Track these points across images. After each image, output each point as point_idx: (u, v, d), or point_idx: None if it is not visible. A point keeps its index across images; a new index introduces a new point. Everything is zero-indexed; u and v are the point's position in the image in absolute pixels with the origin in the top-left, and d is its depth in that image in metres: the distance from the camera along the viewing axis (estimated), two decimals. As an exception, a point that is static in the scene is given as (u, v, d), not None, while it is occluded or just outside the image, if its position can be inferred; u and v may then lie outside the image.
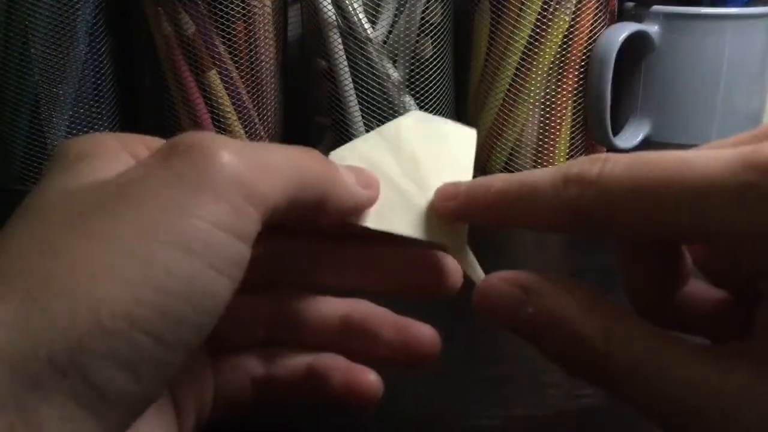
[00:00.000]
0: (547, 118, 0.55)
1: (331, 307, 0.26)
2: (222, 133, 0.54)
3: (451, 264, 0.26)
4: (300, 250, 0.26)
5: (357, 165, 0.25)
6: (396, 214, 0.25)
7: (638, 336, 0.20)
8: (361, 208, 0.24)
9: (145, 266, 0.17)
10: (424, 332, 0.25)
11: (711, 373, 0.19)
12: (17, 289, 0.17)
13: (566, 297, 0.21)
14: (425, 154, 0.26)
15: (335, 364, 0.25)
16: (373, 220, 0.24)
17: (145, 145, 0.22)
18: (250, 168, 0.19)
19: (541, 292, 0.21)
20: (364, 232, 0.24)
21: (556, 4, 0.52)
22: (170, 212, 0.18)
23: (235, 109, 0.54)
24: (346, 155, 0.26)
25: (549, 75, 0.54)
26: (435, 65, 0.55)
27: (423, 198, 0.25)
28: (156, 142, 0.22)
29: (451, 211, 0.24)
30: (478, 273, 0.25)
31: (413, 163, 0.26)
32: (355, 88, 0.54)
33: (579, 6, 0.53)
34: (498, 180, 0.23)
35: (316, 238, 0.26)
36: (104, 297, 0.17)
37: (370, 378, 0.24)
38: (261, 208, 0.20)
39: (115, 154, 0.21)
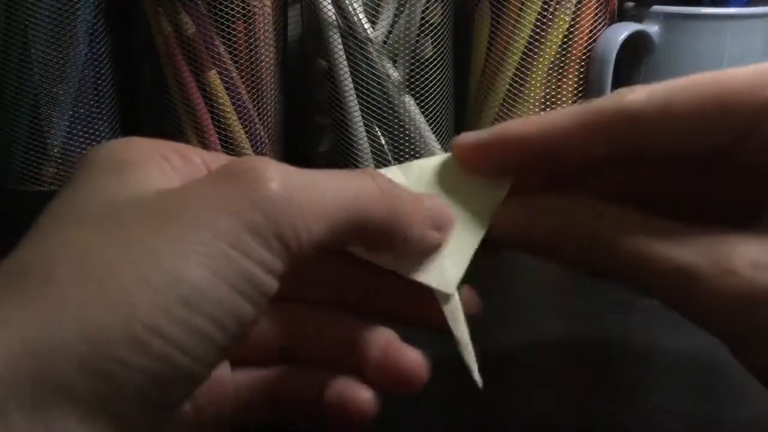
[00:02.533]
0: (547, 118, 0.55)
1: (339, 323, 0.26)
2: (222, 133, 0.54)
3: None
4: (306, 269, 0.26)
5: None
6: None
7: (643, 220, 0.22)
8: (426, 250, 0.24)
9: (176, 282, 0.18)
10: (411, 358, 0.24)
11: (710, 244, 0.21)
12: (52, 289, 0.17)
13: (579, 208, 0.24)
14: (441, 194, 0.25)
15: (334, 382, 0.24)
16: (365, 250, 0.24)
17: (176, 151, 0.22)
18: (295, 204, 0.19)
19: (556, 207, 0.24)
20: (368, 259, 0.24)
21: (556, 4, 0.52)
22: (205, 235, 0.18)
23: (235, 109, 0.54)
24: None
25: (549, 75, 0.54)
26: (435, 65, 0.55)
27: None
28: (187, 149, 0.22)
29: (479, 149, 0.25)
30: (460, 328, 0.23)
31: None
32: (355, 88, 0.54)
33: (579, 6, 0.53)
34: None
35: (324, 258, 0.25)
36: (135, 306, 0.17)
37: (364, 395, 0.24)
38: (293, 246, 0.19)
39: (150, 161, 0.21)
